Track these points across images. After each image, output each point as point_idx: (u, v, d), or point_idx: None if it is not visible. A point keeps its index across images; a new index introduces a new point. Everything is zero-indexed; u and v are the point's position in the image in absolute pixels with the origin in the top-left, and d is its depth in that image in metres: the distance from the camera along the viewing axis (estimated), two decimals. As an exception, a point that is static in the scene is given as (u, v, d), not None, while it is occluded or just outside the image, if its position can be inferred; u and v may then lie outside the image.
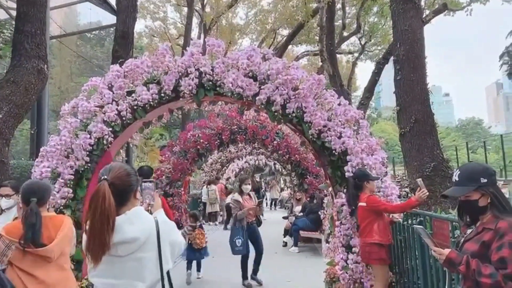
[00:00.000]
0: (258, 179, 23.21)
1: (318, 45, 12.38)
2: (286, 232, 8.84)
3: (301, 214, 8.78)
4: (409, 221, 3.89)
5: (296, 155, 9.36)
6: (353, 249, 4.23)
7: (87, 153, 4.35)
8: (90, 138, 4.36)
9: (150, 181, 2.48)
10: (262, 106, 4.40)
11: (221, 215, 13.93)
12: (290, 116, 4.39)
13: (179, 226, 9.46)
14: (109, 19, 13.83)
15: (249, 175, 24.11)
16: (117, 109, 4.41)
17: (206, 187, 13.25)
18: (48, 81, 6.43)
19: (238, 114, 9.45)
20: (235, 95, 4.39)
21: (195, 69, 4.41)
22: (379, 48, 26.16)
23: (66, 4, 14.44)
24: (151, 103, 4.40)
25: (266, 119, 9.26)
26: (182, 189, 9.53)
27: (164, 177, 9.44)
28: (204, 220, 13.76)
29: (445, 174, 5.07)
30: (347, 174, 4.25)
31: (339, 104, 4.45)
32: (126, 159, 5.34)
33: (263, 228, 12.12)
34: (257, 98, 4.31)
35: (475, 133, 61.47)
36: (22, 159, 10.14)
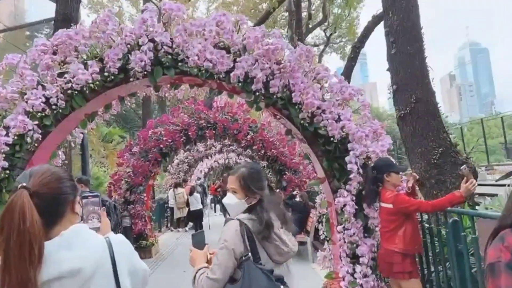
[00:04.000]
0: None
1: (288, 32, 11.61)
2: (266, 236, 7.92)
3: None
4: (438, 222, 3.09)
5: (273, 150, 8.48)
6: (361, 259, 3.38)
7: (4, 156, 3.21)
8: (8, 135, 3.21)
9: (95, 195, 1.77)
10: (239, 85, 3.44)
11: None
12: (274, 97, 3.47)
13: (144, 237, 8.31)
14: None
15: (218, 174, 23.13)
16: (44, 95, 3.29)
17: (173, 190, 12.09)
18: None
19: (205, 107, 8.44)
20: (203, 73, 3.40)
21: (149, 40, 3.38)
22: (343, 40, 26.12)
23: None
24: (91, 85, 3.31)
25: (238, 111, 8.32)
26: (145, 194, 8.36)
27: (123, 182, 8.23)
28: (172, 226, 12.60)
29: (455, 160, 4.36)
30: (349, 166, 3.39)
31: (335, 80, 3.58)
32: (65, 162, 4.20)
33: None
34: (231, 74, 3.34)
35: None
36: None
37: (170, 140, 8.13)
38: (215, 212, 16.54)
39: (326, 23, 22.52)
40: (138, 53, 3.31)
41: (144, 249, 8.22)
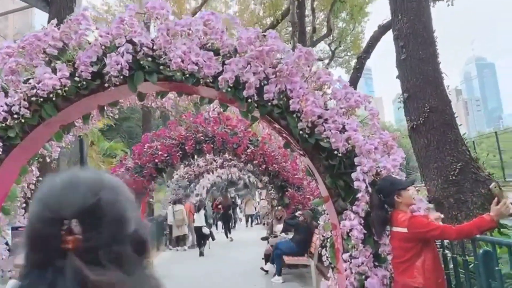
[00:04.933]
0: (232, 194, 21.66)
1: (290, 43, 11.32)
2: (267, 258, 7.38)
3: (283, 234, 7.36)
4: (463, 251, 2.58)
5: (274, 165, 8.02)
6: (372, 293, 2.87)
7: (-43, 172, 2.80)
8: (-38, 149, 2.81)
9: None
10: (229, 91, 3.01)
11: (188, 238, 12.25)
12: (269, 104, 3.04)
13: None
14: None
15: (222, 190, 22.61)
16: (6, 103, 2.89)
17: (172, 207, 11.62)
18: None
19: (203, 120, 8.05)
20: (187, 77, 2.99)
21: (127, 41, 2.99)
22: (348, 54, 25.93)
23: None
24: (60, 92, 2.91)
25: (237, 123, 7.91)
26: (139, 212, 7.88)
27: (116, 199, 7.78)
28: (171, 245, 12.06)
29: (477, 177, 3.86)
30: (356, 183, 2.92)
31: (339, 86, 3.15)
32: (38, 178, 3.78)
33: (238, 251, 10.65)
34: (219, 78, 2.92)
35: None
36: None
37: (166, 155, 7.72)
38: (216, 229, 15.98)
39: (330, 37, 22.35)
40: (114, 55, 2.92)
41: (137, 271, 7.70)
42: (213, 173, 14.09)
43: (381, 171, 2.96)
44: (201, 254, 10.43)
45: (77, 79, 2.92)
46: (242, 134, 7.85)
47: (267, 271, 7.26)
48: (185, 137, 7.76)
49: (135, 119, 27.28)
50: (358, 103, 3.11)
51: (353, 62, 23.75)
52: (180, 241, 11.75)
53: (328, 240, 3.72)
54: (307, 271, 6.87)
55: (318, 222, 4.39)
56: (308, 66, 3.20)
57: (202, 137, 7.73)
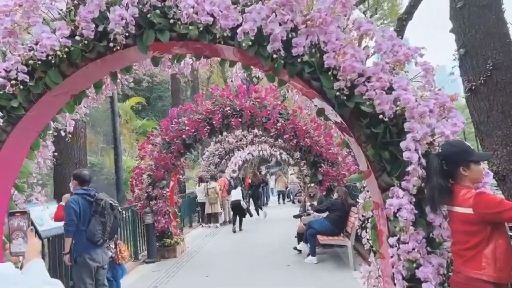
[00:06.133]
0: (263, 172, 21.40)
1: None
2: (300, 237, 7.01)
3: (315, 212, 6.93)
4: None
5: (306, 139, 7.51)
6: (424, 285, 2.40)
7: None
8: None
9: (23, 211, 1.63)
10: (250, 48, 2.55)
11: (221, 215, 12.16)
12: (299, 61, 2.55)
13: (168, 235, 7.71)
14: None
15: (254, 167, 22.40)
16: (4, 69, 2.60)
17: (199, 185, 11.60)
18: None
19: (231, 93, 7.64)
20: (202, 33, 2.56)
21: (132, -8, 2.57)
22: (385, 22, 24.45)
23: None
24: (60, 54, 2.57)
25: (266, 96, 7.44)
26: (169, 189, 7.73)
27: (145, 176, 7.67)
28: (203, 222, 12.04)
29: (553, 147, 3.22)
30: (406, 154, 2.40)
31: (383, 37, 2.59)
32: (55, 155, 3.56)
33: (270, 230, 10.38)
34: (238, 30, 2.46)
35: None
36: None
37: (193, 130, 7.43)
38: (250, 206, 15.86)
39: (366, 4, 21.01)
40: (118, 8, 2.52)
41: (168, 248, 7.64)
42: (243, 149, 13.81)
43: (437, 139, 2.42)
44: (234, 231, 10.29)
45: (78, 38, 2.56)
46: (272, 107, 7.38)
47: (300, 251, 6.91)
48: (212, 111, 7.40)
49: (168, 97, 27.40)
50: (408, 56, 2.54)
51: (391, 31, 22.33)
52: (212, 218, 11.68)
53: (369, 220, 3.25)
54: (343, 252, 6.46)
55: (357, 199, 3.92)
56: (345, 15, 2.66)
57: (229, 111, 7.33)
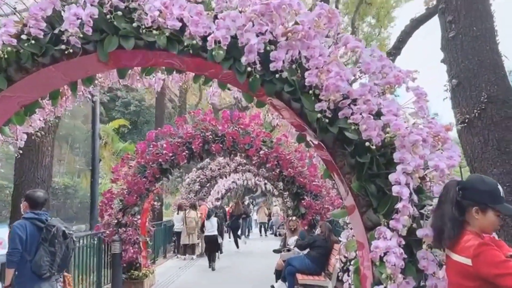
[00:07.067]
0: (246, 202, 20.83)
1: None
2: (278, 274, 6.51)
3: (296, 249, 6.47)
4: None
5: (290, 169, 7.18)
6: None
7: None
8: None
9: None
10: (222, 60, 2.25)
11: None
12: (277, 78, 2.26)
13: (136, 267, 7.11)
14: None
15: (239, 197, 21.84)
16: None
17: (178, 213, 11.00)
18: None
19: (213, 118, 7.34)
20: (169, 39, 2.26)
21: (92, -9, 2.28)
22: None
23: None
24: (2, 54, 2.23)
25: (250, 123, 7.15)
26: (139, 217, 7.20)
27: (116, 201, 7.15)
28: (179, 253, 11.35)
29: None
30: (395, 190, 2.08)
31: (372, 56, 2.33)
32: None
33: (248, 265, 9.78)
34: (209, 38, 2.16)
35: None
36: None
37: (171, 154, 7.02)
38: (229, 237, 15.17)
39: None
40: (74, 7, 2.21)
41: (135, 280, 7.02)
42: (226, 177, 13.37)
43: (431, 173, 2.11)
44: (213, 269, 9.40)
45: (24, 37, 2.22)
46: (255, 134, 7.08)
47: (277, 290, 6.39)
48: (192, 135, 7.04)
49: (155, 122, 27.10)
50: (399, 79, 2.27)
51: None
52: (188, 249, 11.02)
53: (352, 263, 2.86)
54: (324, 293, 5.97)
55: (339, 237, 3.56)
56: (332, 31, 2.41)
57: (210, 136, 6.99)
